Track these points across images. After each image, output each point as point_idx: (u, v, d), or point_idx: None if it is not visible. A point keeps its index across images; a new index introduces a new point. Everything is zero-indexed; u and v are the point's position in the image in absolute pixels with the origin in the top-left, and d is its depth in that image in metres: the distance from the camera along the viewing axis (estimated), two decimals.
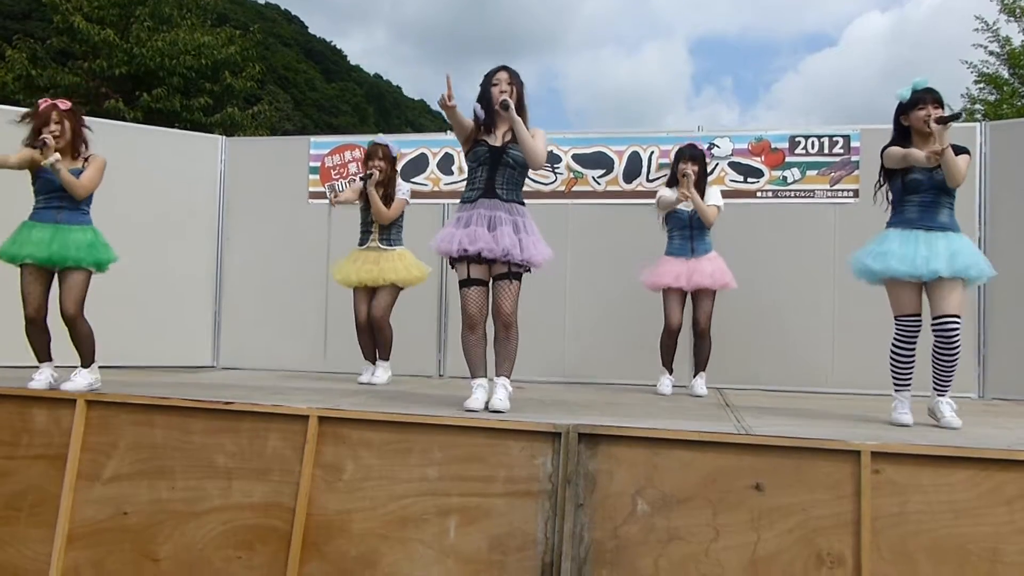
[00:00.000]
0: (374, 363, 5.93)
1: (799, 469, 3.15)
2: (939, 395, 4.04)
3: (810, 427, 3.78)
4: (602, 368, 6.75)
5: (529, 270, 4.19)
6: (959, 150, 3.95)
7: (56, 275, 4.49)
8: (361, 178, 5.79)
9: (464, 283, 4.15)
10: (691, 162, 5.53)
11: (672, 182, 5.69)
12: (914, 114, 4.04)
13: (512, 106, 4.03)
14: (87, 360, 4.48)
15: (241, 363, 7.36)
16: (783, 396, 5.83)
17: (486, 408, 3.95)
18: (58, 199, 4.45)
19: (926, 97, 4.02)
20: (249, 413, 3.77)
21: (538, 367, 6.55)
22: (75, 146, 4.52)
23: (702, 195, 5.54)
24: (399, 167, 6.04)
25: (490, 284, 4.18)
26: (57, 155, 4.32)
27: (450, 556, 3.37)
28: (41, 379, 4.32)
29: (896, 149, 4.09)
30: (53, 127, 4.40)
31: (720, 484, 3.19)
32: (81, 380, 4.33)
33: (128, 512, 3.79)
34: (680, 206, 5.59)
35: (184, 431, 3.82)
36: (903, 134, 4.15)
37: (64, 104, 4.53)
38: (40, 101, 4.56)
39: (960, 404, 4.06)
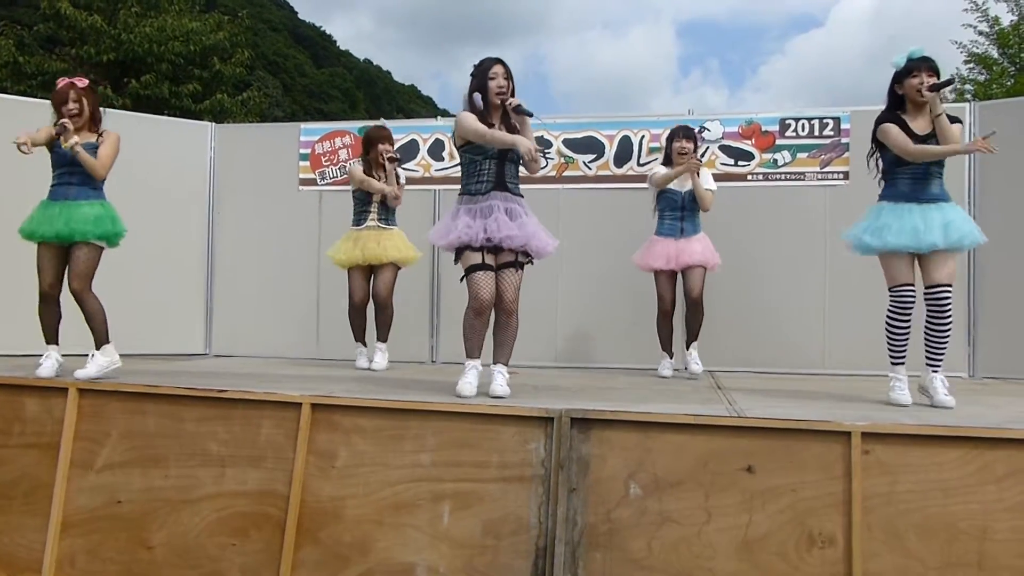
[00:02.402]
0: (366, 344, 5.95)
1: (790, 450, 3.16)
2: (932, 371, 4.05)
3: (801, 409, 3.80)
4: (594, 352, 6.77)
5: (532, 262, 4.23)
6: (951, 120, 3.98)
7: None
8: (389, 159, 5.82)
9: (477, 267, 4.10)
10: (686, 140, 5.57)
11: (667, 162, 5.71)
12: (908, 82, 4.06)
13: (525, 110, 4.10)
14: (99, 339, 4.46)
15: (234, 351, 7.36)
16: (775, 378, 5.85)
17: (481, 394, 3.95)
18: (68, 174, 4.50)
19: (920, 65, 4.03)
20: (242, 401, 3.76)
21: (530, 352, 6.55)
22: (93, 122, 4.58)
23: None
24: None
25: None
26: (76, 138, 4.39)
27: (444, 541, 3.39)
28: (48, 365, 4.33)
29: (896, 138, 4.07)
30: (71, 105, 4.47)
31: (712, 467, 3.21)
32: (92, 367, 4.29)
33: (122, 500, 3.79)
34: (673, 186, 5.59)
35: (177, 419, 3.82)
36: (897, 103, 4.17)
37: (81, 82, 4.58)
38: (59, 80, 4.63)
39: (950, 383, 4.08)
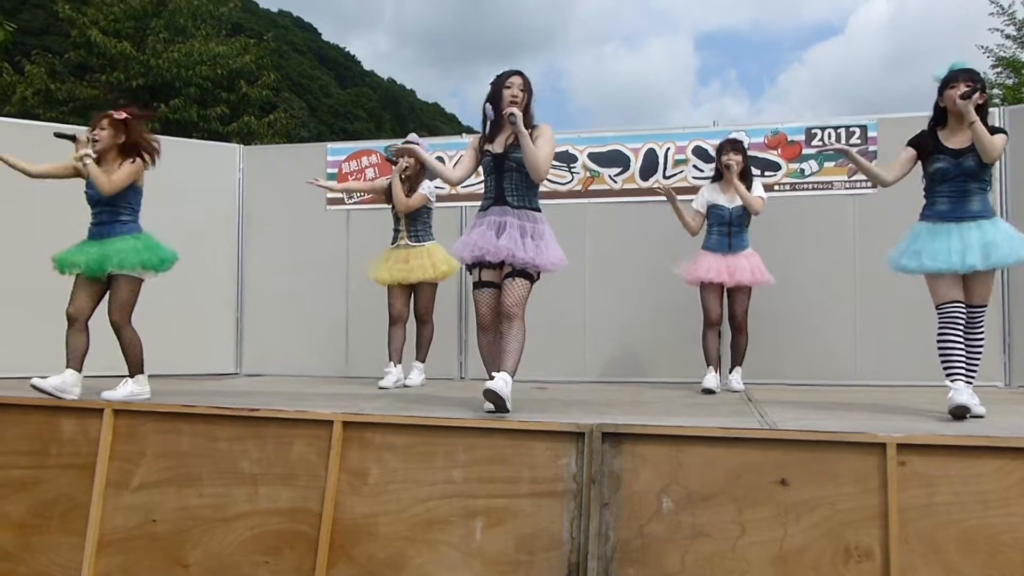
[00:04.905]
0: (397, 364, 5.95)
1: (824, 463, 3.13)
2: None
3: (835, 420, 3.76)
4: (623, 367, 6.74)
5: (538, 275, 4.18)
6: (994, 131, 3.94)
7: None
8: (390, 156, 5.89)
9: (476, 285, 4.23)
10: (733, 152, 5.57)
11: (718, 176, 5.72)
12: (946, 93, 4.02)
13: (519, 120, 4.01)
14: (132, 369, 4.53)
15: (264, 370, 7.42)
16: (807, 390, 5.79)
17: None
18: (97, 213, 4.57)
19: (959, 76, 3.99)
20: (274, 420, 3.79)
21: (559, 367, 6.55)
22: (121, 153, 4.54)
23: (749, 187, 5.59)
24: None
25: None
26: (87, 151, 4.42)
27: (477, 557, 3.38)
28: (51, 381, 4.31)
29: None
30: (96, 132, 4.51)
31: (745, 480, 3.18)
32: (122, 390, 4.38)
33: (157, 519, 3.83)
34: (721, 201, 5.60)
35: (210, 438, 3.85)
36: (940, 116, 4.13)
37: (119, 114, 4.57)
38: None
39: (986, 393, 4.02)
